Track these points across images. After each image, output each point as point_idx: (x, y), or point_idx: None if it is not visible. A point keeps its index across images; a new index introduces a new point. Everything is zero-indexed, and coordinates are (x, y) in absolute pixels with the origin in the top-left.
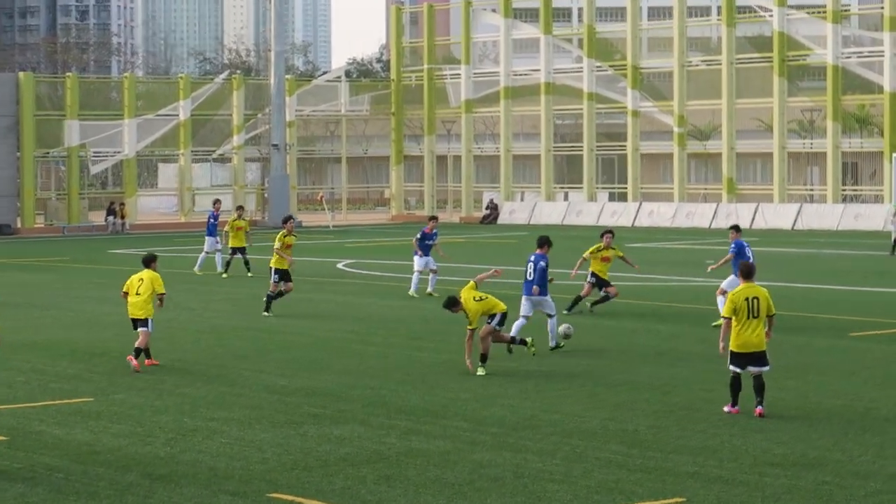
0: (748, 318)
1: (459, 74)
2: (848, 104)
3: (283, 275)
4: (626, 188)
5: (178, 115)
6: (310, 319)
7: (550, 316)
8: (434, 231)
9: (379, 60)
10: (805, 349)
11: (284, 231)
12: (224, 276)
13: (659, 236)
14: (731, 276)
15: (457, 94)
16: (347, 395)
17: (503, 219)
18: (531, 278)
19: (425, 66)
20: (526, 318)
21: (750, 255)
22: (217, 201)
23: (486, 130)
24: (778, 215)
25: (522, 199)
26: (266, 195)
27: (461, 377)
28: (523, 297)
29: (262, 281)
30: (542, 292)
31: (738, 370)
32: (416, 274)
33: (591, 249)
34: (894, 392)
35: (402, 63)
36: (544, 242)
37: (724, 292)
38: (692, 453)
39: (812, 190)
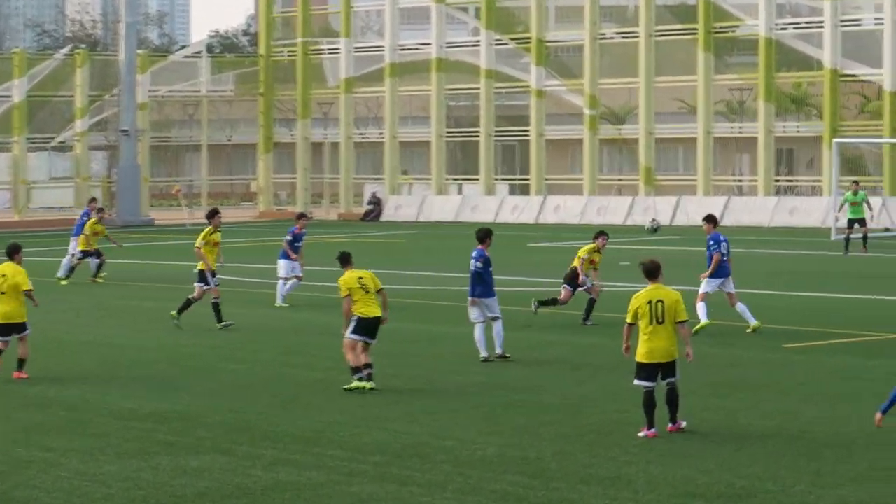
0: (651, 323)
1: (338, 49)
2: (782, 82)
3: (204, 276)
4: (528, 179)
5: (11, 97)
6: (164, 333)
7: (495, 319)
8: (303, 231)
9: (246, 33)
10: (734, 363)
11: (210, 228)
12: (64, 282)
13: (566, 234)
14: (709, 278)
15: (335, 71)
16: (207, 419)
17: (388, 215)
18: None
19: (299, 40)
20: (481, 322)
21: (726, 251)
22: (93, 199)
23: (369, 113)
24: (702, 209)
25: (410, 193)
26: (113, 189)
27: (338, 398)
28: (469, 299)
29: (110, 289)
30: (487, 293)
31: (647, 385)
32: (280, 282)
33: (586, 249)
34: (832, 412)
35: (273, 36)
36: (485, 236)
37: (704, 297)
38: (603, 484)
39: (741, 181)
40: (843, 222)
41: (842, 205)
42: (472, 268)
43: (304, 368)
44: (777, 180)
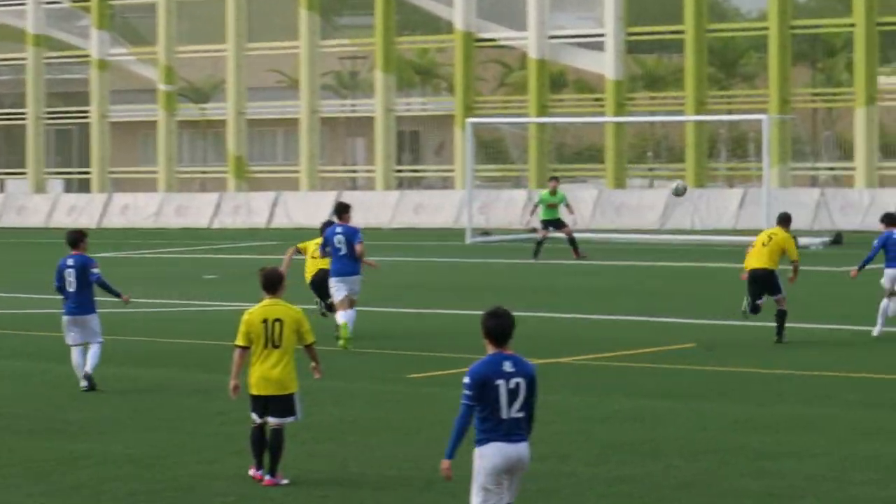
0: (266, 346)
1: None
2: (405, 49)
3: None
4: (89, 173)
5: None
6: None
7: (94, 343)
8: None
9: None
10: (347, 398)
11: None
12: None
13: (137, 240)
14: (331, 279)
15: None
16: None
17: None
18: (72, 289)
19: None
20: (81, 346)
21: (343, 247)
22: None
23: None
24: (306, 208)
25: None
26: None
27: None
28: (64, 318)
29: None
30: (86, 310)
31: (257, 419)
32: None
33: (312, 247)
34: (466, 456)
35: None
36: (79, 239)
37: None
38: None
39: (355, 171)
40: (536, 225)
41: (535, 206)
42: (92, 277)
43: None
44: (399, 170)
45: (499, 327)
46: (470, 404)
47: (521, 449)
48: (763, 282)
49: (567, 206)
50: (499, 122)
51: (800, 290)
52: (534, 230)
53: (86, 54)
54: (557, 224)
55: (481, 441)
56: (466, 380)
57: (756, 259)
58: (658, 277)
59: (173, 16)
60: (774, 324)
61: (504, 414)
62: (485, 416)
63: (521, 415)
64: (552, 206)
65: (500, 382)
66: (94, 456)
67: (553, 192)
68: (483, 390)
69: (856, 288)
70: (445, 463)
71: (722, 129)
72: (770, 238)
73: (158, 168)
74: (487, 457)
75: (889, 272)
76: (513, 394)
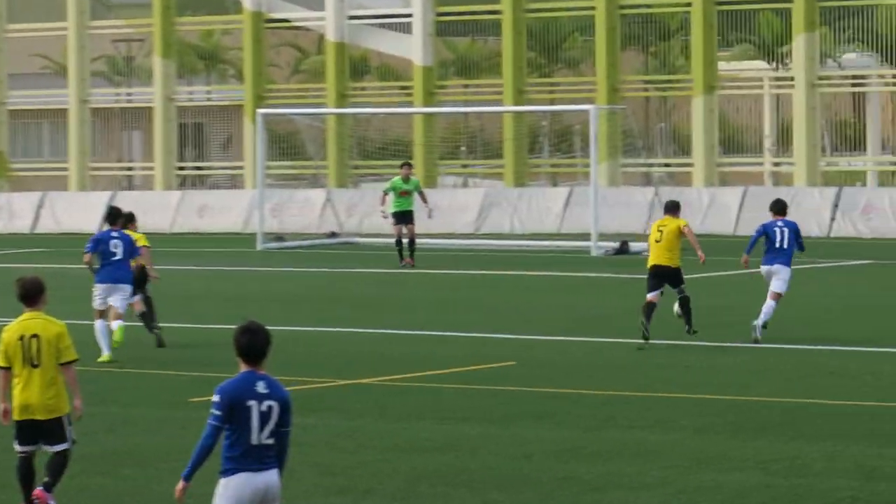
0: (25, 366)
1: None
2: (187, 31)
3: None
4: None
5: None
6: None
7: None
8: None
9: None
10: (122, 425)
11: None
12: None
13: None
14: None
15: None
16: None
17: None
18: None
19: None
20: None
21: (118, 252)
22: None
23: None
24: (76, 211)
25: None
26: None
27: None
28: None
29: None
30: None
31: (24, 449)
32: None
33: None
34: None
35: None
36: None
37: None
38: None
39: (131, 169)
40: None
41: (385, 193)
42: None
43: None
44: (181, 167)
45: (252, 344)
46: (218, 425)
47: (269, 477)
48: (665, 276)
49: (421, 193)
50: (293, 113)
51: (634, 300)
52: (333, 234)
53: None
54: (409, 219)
55: (228, 471)
56: (216, 398)
57: (656, 257)
58: (473, 287)
59: None
60: (681, 317)
61: (254, 439)
62: (233, 441)
63: (270, 441)
64: (405, 195)
65: (252, 404)
66: None
67: (406, 179)
68: (233, 411)
69: (695, 300)
70: (181, 484)
71: (544, 120)
72: (661, 232)
73: None
74: (233, 488)
75: (764, 269)
76: (265, 417)
